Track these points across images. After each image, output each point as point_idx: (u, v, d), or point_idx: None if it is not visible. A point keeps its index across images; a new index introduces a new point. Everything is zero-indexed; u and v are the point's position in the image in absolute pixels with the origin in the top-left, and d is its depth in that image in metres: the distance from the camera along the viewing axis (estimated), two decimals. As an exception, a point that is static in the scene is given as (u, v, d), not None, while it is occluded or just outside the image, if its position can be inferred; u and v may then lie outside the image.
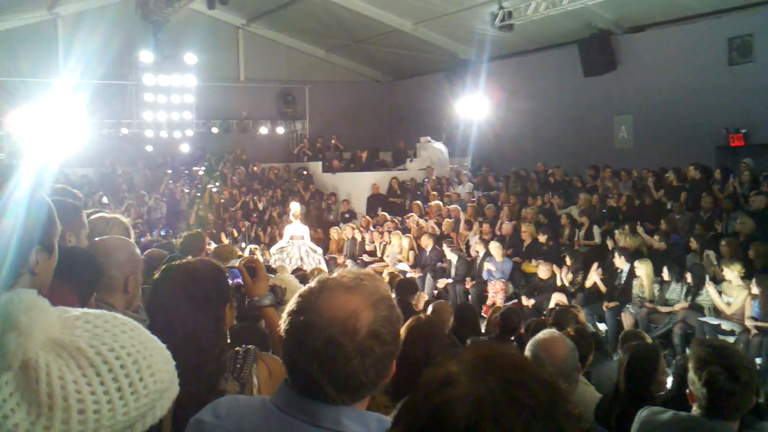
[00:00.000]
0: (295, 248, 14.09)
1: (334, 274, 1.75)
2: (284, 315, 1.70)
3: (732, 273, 9.77)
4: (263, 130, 22.90)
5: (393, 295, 1.79)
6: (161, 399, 1.30)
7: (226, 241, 16.47)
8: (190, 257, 2.93)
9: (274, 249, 14.48)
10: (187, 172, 21.06)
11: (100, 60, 17.27)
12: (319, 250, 14.67)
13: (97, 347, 1.20)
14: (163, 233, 16.75)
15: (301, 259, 13.83)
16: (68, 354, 1.18)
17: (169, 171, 20.67)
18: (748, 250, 10.52)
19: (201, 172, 20.74)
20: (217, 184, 20.14)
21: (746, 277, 9.78)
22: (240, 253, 13.14)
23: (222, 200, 19.56)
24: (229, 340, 2.60)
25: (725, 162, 13.93)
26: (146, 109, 19.58)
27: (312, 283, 1.72)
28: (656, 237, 11.75)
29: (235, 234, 17.68)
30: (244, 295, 2.90)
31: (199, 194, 19.29)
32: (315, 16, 19.83)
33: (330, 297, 1.65)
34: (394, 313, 1.71)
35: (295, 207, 15.05)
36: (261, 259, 13.88)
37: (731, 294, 9.77)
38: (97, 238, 3.23)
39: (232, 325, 2.70)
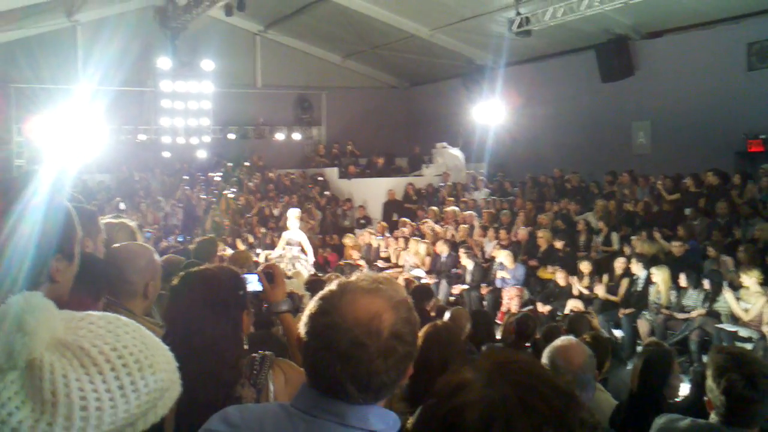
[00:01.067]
0: (290, 255, 14.16)
1: (352, 278, 1.77)
2: (305, 318, 1.71)
3: (750, 279, 9.71)
4: (279, 136, 22.99)
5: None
6: (162, 398, 1.32)
7: (242, 247, 16.52)
8: (207, 264, 2.96)
9: (273, 255, 14.51)
10: (203, 178, 21.16)
11: (119, 67, 17.40)
12: (311, 258, 14.68)
13: (100, 346, 1.23)
14: (179, 239, 16.82)
15: (294, 266, 13.83)
16: (72, 353, 1.20)
17: (186, 177, 20.77)
18: (766, 257, 10.46)
19: (217, 178, 20.83)
20: (234, 190, 20.20)
21: (764, 283, 9.72)
22: (255, 259, 13.21)
23: (238, 206, 19.62)
24: (246, 347, 2.61)
25: (744, 168, 13.84)
26: (163, 116, 19.71)
27: (332, 286, 1.74)
28: (677, 243, 11.67)
29: (251, 240, 17.72)
30: (261, 302, 2.93)
31: (215, 200, 19.36)
32: (331, 22, 19.89)
33: (353, 299, 1.67)
34: (413, 315, 1.73)
35: (293, 212, 15.09)
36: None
37: (749, 300, 9.71)
38: (116, 245, 3.26)
39: (249, 331, 2.72)
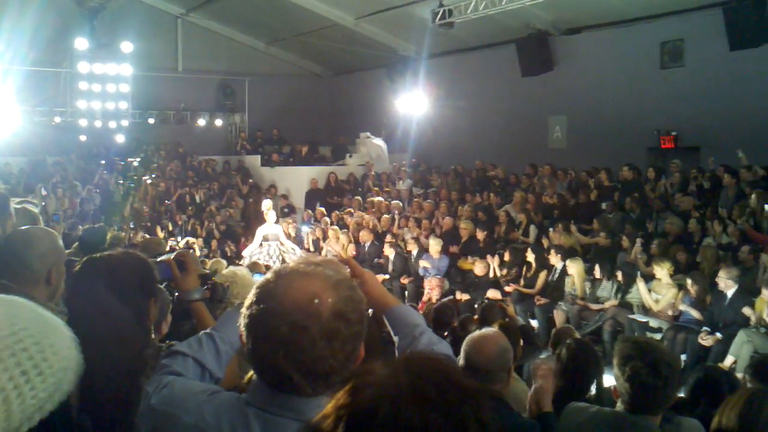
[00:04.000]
0: (272, 250, 13.82)
1: (290, 264, 1.74)
2: (243, 309, 1.67)
3: (662, 271, 10.05)
4: (201, 122, 22.59)
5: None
6: (66, 376, 1.28)
7: (161, 234, 16.22)
8: (112, 250, 2.86)
9: (246, 252, 14.15)
10: (122, 163, 20.65)
11: (32, 45, 16.79)
12: (298, 250, 14.41)
13: None
14: (96, 226, 16.37)
15: (283, 261, 13.43)
16: None
17: (103, 162, 20.23)
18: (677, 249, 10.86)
19: (136, 164, 20.35)
20: (153, 176, 19.79)
21: (675, 275, 10.10)
22: (175, 246, 12.96)
23: (158, 192, 19.24)
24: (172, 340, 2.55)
25: (656, 163, 14.30)
26: (80, 98, 19.10)
27: (268, 274, 1.71)
28: (602, 235, 11.99)
29: (171, 227, 17.41)
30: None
31: (134, 186, 18.93)
32: (255, 8, 19.64)
33: (289, 283, 1.63)
34: (357, 293, 1.69)
35: (266, 204, 14.72)
36: (198, 253, 13.72)
37: (660, 291, 10.05)
38: (18, 228, 3.14)
39: (156, 319, 2.65)
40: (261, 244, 13.97)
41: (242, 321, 1.66)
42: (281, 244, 14.13)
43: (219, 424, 1.65)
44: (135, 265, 2.48)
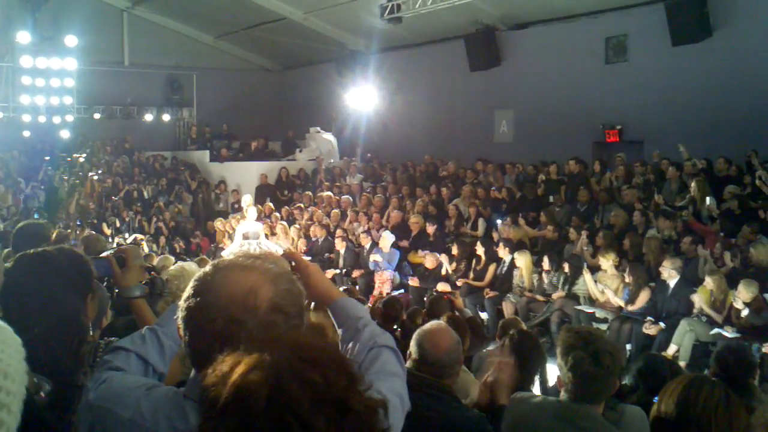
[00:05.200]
0: (252, 249, 13.45)
1: (227, 257, 1.74)
2: (181, 302, 1.66)
3: (607, 262, 10.25)
4: (148, 117, 22.27)
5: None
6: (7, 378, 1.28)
7: (108, 231, 15.97)
8: (47, 246, 2.80)
9: (225, 253, 13.73)
10: (68, 159, 20.24)
11: (-29, 39, 16.38)
12: (280, 249, 14.08)
13: None
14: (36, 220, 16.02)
15: None
16: None
17: (48, 158, 19.82)
18: (622, 241, 11.08)
19: (82, 160, 19.98)
20: (100, 172, 19.46)
21: (620, 266, 10.30)
22: (123, 244, 12.75)
23: (104, 189, 18.92)
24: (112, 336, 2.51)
25: (602, 156, 14.55)
26: (23, 93, 18.68)
27: (206, 267, 1.69)
28: (551, 228, 12.16)
29: (118, 224, 17.14)
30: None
31: (79, 182, 18.58)
32: (203, 1, 19.46)
33: (226, 276, 1.63)
34: (295, 287, 1.69)
35: (246, 200, 14.30)
36: (146, 250, 13.52)
37: (606, 283, 10.24)
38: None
39: (95, 316, 2.62)
40: (241, 243, 13.59)
41: (179, 314, 1.65)
42: (266, 242, 13.83)
43: (156, 418, 1.63)
44: (70, 262, 2.44)
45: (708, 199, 11.19)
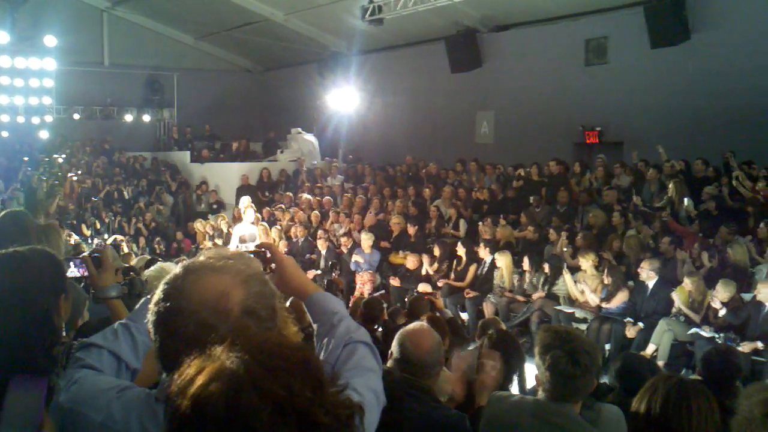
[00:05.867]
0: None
1: (200, 257, 1.69)
2: (151, 305, 1.62)
3: (587, 263, 10.31)
4: (128, 118, 22.16)
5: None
6: None
7: (87, 232, 15.85)
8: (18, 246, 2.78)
9: None
10: (47, 159, 20.06)
11: (-53, 38, 16.22)
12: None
13: None
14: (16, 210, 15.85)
15: None
16: None
17: (27, 159, 19.64)
18: (601, 241, 11.16)
19: (61, 160, 19.81)
20: (79, 172, 19.31)
21: (600, 267, 10.37)
22: (102, 245, 12.64)
23: (83, 189, 18.78)
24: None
25: (582, 158, 14.63)
26: (2, 93, 18.50)
27: (177, 269, 1.65)
28: (531, 228, 12.22)
29: (98, 225, 17.02)
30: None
31: (58, 183, 18.42)
32: (183, 2, 19.41)
33: (197, 279, 1.59)
34: (268, 288, 1.66)
35: (244, 201, 14.11)
36: (127, 251, 13.42)
37: (586, 282, 10.29)
38: None
39: (69, 316, 2.60)
40: (237, 246, 13.14)
41: (150, 317, 1.62)
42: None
43: (128, 421, 1.62)
44: (43, 261, 2.41)
45: (686, 200, 11.30)
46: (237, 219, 15.18)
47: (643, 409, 2.84)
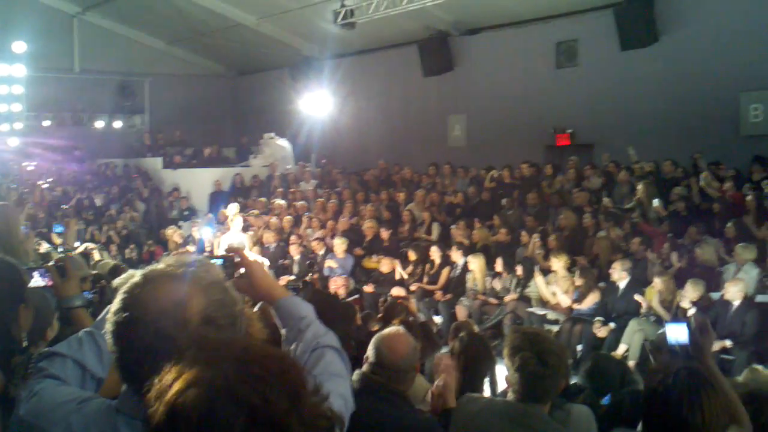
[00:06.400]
0: None
1: (159, 265, 1.66)
2: (110, 315, 1.59)
3: (558, 264, 10.38)
4: (99, 124, 21.98)
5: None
6: None
7: (58, 240, 15.65)
8: None
9: None
10: (16, 167, 19.84)
11: None
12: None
13: None
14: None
15: None
16: None
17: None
18: (572, 243, 11.24)
19: (31, 168, 19.60)
20: (49, 180, 19.11)
21: (573, 268, 10.45)
22: (71, 254, 12.47)
23: (53, 197, 18.57)
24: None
25: (553, 160, 14.73)
26: (-30, 100, 18.33)
27: (136, 277, 1.62)
28: (503, 230, 12.27)
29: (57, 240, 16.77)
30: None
31: (28, 191, 18.22)
32: (154, 7, 19.25)
33: (155, 288, 1.57)
34: (228, 296, 1.64)
35: (232, 209, 13.96)
36: (98, 259, 13.26)
37: (557, 284, 10.36)
38: None
39: (30, 327, 2.57)
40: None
41: (108, 327, 1.59)
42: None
43: None
44: (1, 271, 2.39)
45: (655, 201, 11.43)
46: (224, 227, 15.08)
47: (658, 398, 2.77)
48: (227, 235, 13.70)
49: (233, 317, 1.63)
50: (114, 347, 1.59)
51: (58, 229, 12.00)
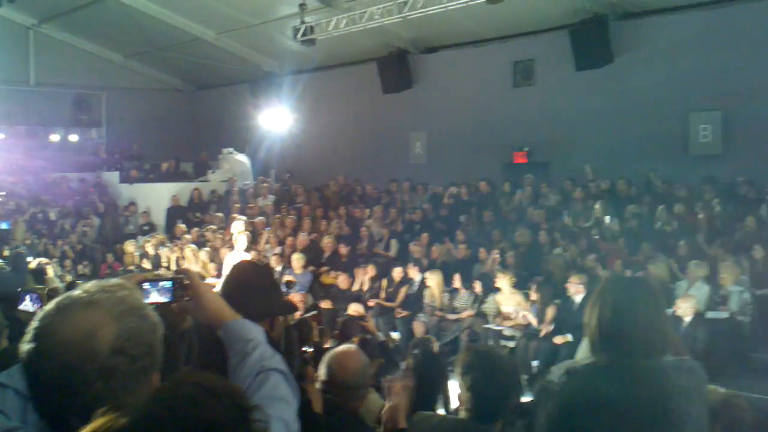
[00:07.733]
0: None
1: (76, 291, 1.56)
2: (21, 344, 1.51)
3: (503, 281, 10.47)
4: (55, 138, 21.68)
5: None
6: None
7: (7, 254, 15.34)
8: None
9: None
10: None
11: None
12: None
13: None
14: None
15: None
16: None
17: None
18: (528, 260, 11.37)
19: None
20: (3, 194, 18.75)
21: (517, 285, 10.54)
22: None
23: (6, 211, 18.21)
24: None
25: (510, 178, 14.88)
26: None
27: (50, 305, 1.54)
28: (462, 246, 12.34)
29: (21, 248, 16.48)
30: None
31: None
32: (112, 21, 19.07)
33: (65, 317, 1.48)
34: (147, 323, 1.56)
35: (237, 226, 13.74)
36: (51, 274, 13.03)
37: (506, 302, 10.45)
38: None
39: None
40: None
41: (20, 357, 1.51)
42: None
43: None
44: None
45: (607, 218, 11.63)
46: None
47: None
48: (231, 255, 13.18)
49: (150, 346, 1.56)
50: (24, 377, 1.51)
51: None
